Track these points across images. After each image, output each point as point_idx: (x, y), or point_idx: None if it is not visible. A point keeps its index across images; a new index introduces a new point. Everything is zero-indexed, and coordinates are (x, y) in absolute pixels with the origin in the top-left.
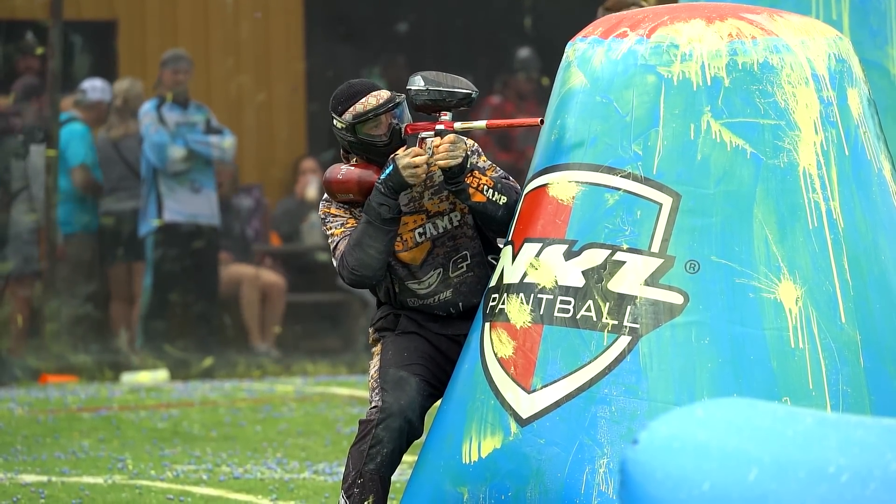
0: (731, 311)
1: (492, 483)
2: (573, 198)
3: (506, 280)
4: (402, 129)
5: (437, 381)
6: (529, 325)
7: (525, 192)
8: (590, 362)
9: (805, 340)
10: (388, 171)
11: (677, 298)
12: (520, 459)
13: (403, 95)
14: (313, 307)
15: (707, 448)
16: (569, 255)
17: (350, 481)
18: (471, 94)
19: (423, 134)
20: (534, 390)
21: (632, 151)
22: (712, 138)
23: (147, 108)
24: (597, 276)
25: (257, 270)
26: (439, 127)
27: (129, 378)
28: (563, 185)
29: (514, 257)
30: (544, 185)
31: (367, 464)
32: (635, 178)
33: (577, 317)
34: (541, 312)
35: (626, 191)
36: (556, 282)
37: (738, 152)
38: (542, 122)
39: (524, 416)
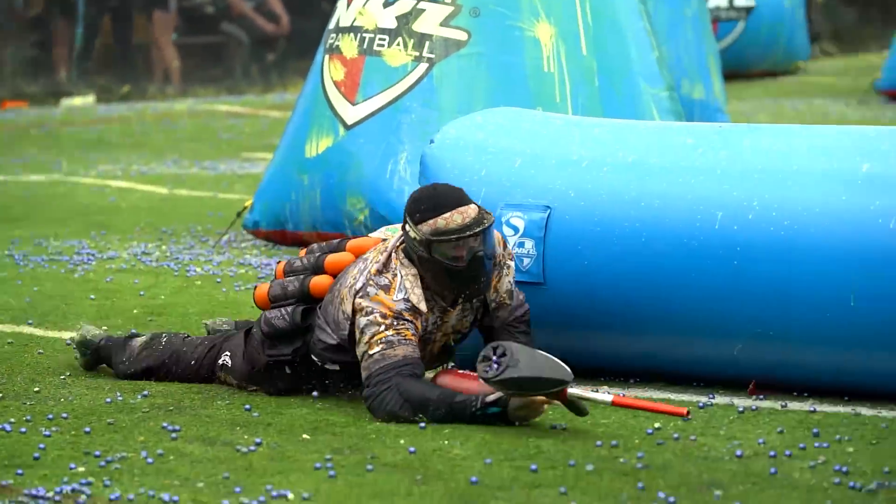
0: (502, 45)
1: (325, 171)
2: None
3: (341, 24)
4: (487, 262)
5: None
6: (356, 56)
7: None
8: (398, 82)
9: (555, 66)
10: (495, 410)
11: (462, 36)
12: (345, 154)
13: (492, 217)
14: (203, 47)
15: (484, 145)
16: (385, 5)
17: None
18: (563, 386)
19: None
20: (357, 103)
21: None
22: None
23: None
24: (405, 20)
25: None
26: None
27: (66, 102)
28: None
29: (347, 6)
30: None
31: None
32: None
33: (389, 49)
34: (364, 47)
35: None
36: (377, 25)
37: None
38: (687, 413)
39: (349, 122)
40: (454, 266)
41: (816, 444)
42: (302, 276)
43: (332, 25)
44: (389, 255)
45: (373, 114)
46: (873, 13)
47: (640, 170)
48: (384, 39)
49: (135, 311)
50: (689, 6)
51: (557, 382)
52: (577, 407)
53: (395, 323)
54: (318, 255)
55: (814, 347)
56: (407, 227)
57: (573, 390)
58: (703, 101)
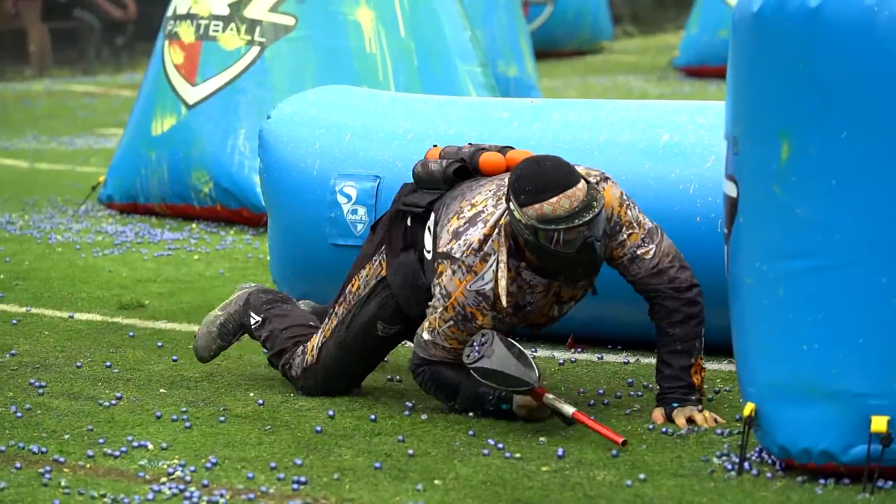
0: (327, 29)
1: (170, 148)
2: None
3: (178, 12)
4: (597, 245)
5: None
6: (194, 41)
7: None
8: (233, 64)
9: (376, 48)
10: (504, 407)
11: (290, 21)
12: (188, 132)
13: (603, 197)
14: (58, 31)
15: (317, 120)
16: None
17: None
18: (527, 388)
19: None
20: (196, 84)
21: None
22: None
23: None
24: (237, 7)
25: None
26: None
27: None
28: None
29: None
30: None
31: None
32: None
33: (224, 34)
34: (201, 32)
35: None
36: (211, 12)
37: None
38: (624, 443)
39: (190, 102)
40: (564, 254)
41: (631, 394)
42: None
43: (169, 13)
44: (493, 230)
45: (212, 94)
46: None
47: (461, 141)
48: (218, 25)
49: (1, 276)
50: None
51: (519, 382)
52: (561, 415)
53: (459, 318)
54: (474, 150)
55: (626, 304)
56: (511, 205)
57: (550, 396)
58: (518, 79)
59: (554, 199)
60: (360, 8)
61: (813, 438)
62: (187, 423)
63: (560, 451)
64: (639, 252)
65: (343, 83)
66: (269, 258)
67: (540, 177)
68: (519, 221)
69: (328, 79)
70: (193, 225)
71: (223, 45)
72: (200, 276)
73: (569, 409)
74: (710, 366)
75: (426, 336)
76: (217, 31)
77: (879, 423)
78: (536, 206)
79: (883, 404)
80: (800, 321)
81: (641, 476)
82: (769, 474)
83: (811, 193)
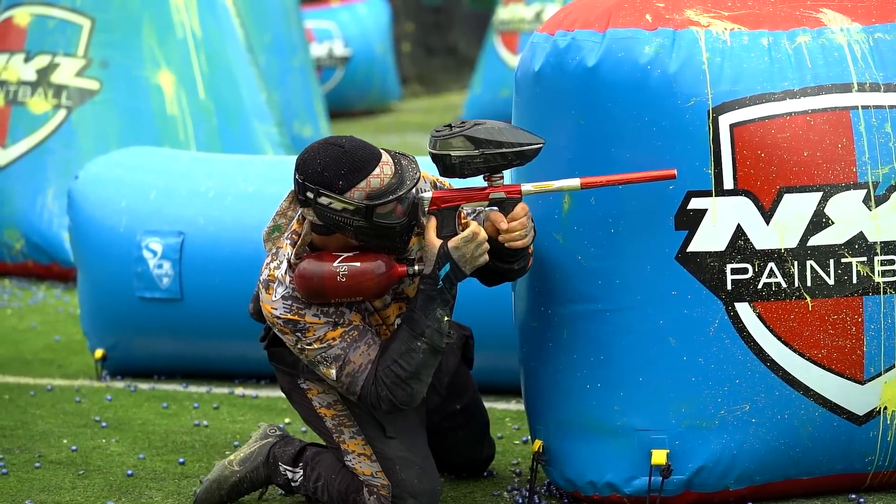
0: (129, 92)
1: None
2: None
3: None
4: (422, 203)
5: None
6: (3, 106)
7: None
8: (41, 127)
9: (177, 109)
10: (445, 270)
11: (94, 85)
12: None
13: (408, 154)
14: None
15: (122, 179)
16: (26, 60)
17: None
18: (540, 146)
19: (469, 207)
20: (7, 147)
21: None
22: None
23: None
24: (44, 73)
25: None
26: (497, 195)
27: None
28: None
29: None
30: None
31: None
32: None
33: (32, 99)
34: (10, 98)
35: None
36: (19, 78)
37: None
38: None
39: (1, 164)
40: (399, 224)
41: None
42: None
43: None
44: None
45: (21, 156)
46: (450, 61)
47: (260, 198)
48: (27, 90)
49: None
50: (295, 57)
51: (527, 137)
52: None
53: (313, 330)
54: None
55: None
56: (323, 200)
57: (527, 187)
58: (313, 138)
59: (377, 171)
60: (161, 71)
61: (598, 472)
62: (3, 470)
63: None
64: None
65: (146, 143)
66: (79, 312)
67: (348, 155)
68: (342, 211)
69: (132, 139)
70: (6, 281)
71: (32, 109)
72: (13, 330)
73: (573, 182)
74: (500, 405)
75: (336, 374)
76: (26, 95)
77: (659, 457)
78: (361, 184)
79: (662, 438)
80: (583, 362)
81: None
82: None
83: (592, 241)
